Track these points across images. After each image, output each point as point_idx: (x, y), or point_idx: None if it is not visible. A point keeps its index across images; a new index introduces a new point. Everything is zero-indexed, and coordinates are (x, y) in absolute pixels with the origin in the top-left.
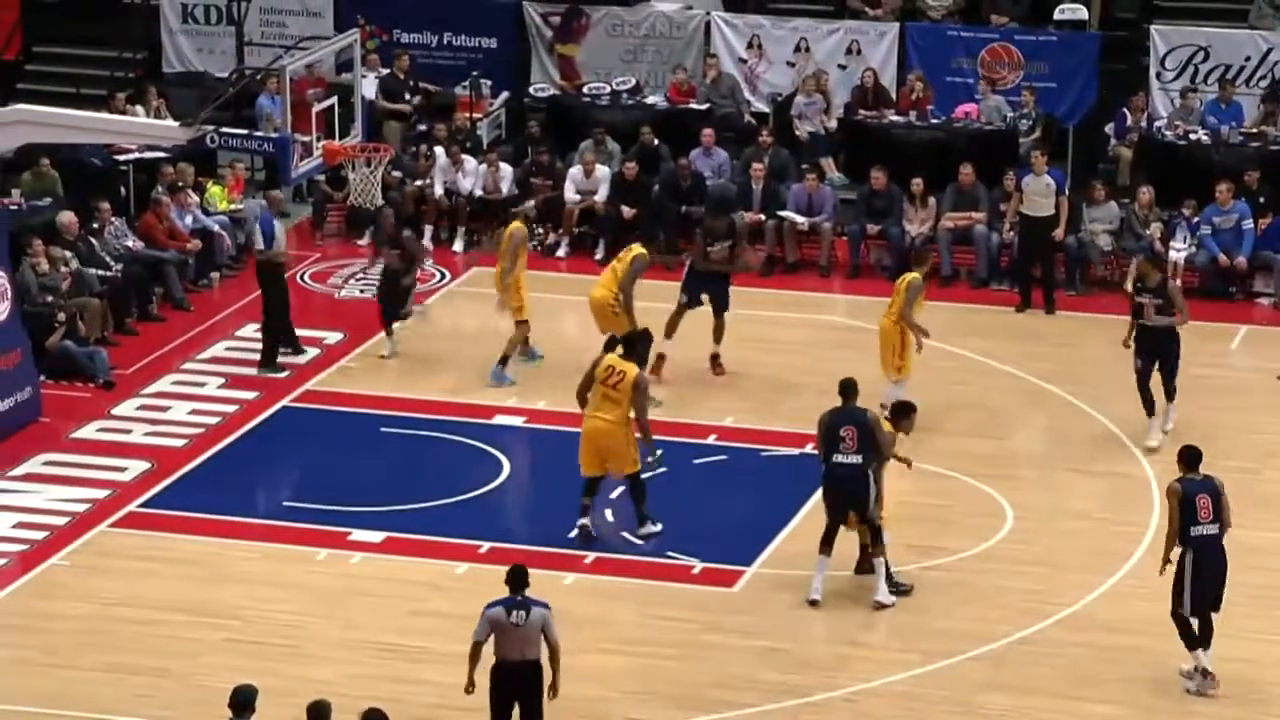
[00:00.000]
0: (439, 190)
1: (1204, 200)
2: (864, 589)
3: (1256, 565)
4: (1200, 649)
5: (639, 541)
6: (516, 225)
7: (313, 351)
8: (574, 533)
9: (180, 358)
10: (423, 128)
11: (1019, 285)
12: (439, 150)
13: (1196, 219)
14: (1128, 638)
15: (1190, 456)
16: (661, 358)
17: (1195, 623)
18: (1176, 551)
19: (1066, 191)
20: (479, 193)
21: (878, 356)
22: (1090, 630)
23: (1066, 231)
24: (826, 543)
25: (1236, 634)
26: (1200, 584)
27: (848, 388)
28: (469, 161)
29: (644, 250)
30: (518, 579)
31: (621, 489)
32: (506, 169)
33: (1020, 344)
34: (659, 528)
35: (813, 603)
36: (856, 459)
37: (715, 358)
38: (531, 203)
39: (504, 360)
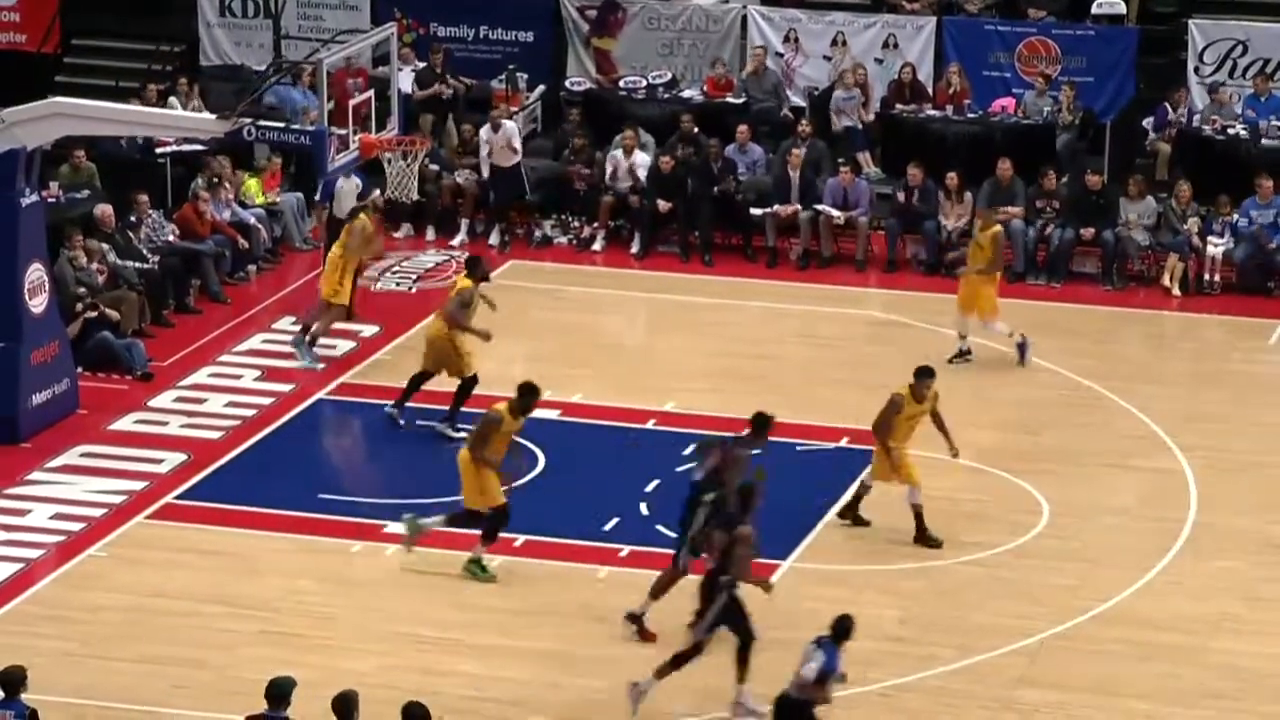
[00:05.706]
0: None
1: (1243, 194)
2: (896, 581)
3: None
4: None
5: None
6: (360, 220)
7: (347, 345)
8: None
9: (217, 350)
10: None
11: None
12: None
13: (1235, 214)
14: (1164, 634)
15: None
16: None
17: None
18: None
19: None
20: (486, 164)
21: (913, 347)
22: (1127, 626)
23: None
24: None
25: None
26: None
27: None
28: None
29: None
30: None
31: (658, 481)
32: (510, 125)
33: (1057, 339)
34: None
35: None
36: None
37: None
38: (379, 192)
39: (312, 339)
